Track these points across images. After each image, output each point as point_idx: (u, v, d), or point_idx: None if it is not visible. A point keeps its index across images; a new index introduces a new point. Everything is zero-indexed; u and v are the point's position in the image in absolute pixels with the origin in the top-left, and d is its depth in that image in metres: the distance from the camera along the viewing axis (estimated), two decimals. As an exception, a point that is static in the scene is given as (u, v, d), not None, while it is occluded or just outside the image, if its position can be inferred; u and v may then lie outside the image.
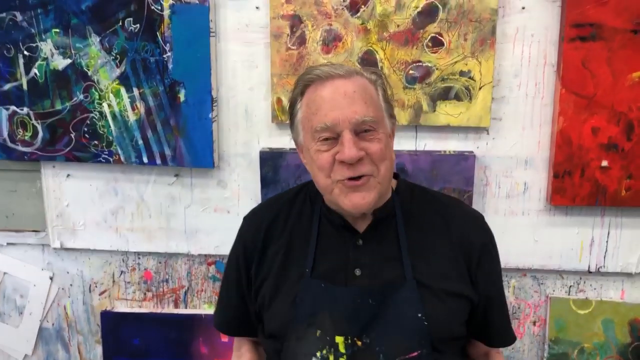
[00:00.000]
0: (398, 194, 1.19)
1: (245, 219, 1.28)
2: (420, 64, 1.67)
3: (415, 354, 1.07)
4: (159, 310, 1.99)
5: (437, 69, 1.67)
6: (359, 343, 1.06)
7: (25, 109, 1.81)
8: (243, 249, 1.23)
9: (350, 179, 1.05)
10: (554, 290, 1.82)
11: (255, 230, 1.22)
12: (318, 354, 1.07)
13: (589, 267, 1.78)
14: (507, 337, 1.26)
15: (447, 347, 1.14)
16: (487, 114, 1.68)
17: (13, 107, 1.82)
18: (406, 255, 1.11)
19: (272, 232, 1.20)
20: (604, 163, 1.65)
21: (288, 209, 1.21)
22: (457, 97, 1.68)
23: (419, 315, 1.07)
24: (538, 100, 1.68)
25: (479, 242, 1.17)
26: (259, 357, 1.32)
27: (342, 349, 1.06)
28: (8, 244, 2.01)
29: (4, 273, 2.04)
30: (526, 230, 1.76)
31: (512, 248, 1.77)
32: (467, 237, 1.16)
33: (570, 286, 1.82)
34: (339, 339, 1.06)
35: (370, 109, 1.06)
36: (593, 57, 1.60)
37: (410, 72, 1.67)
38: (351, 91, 1.05)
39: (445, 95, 1.68)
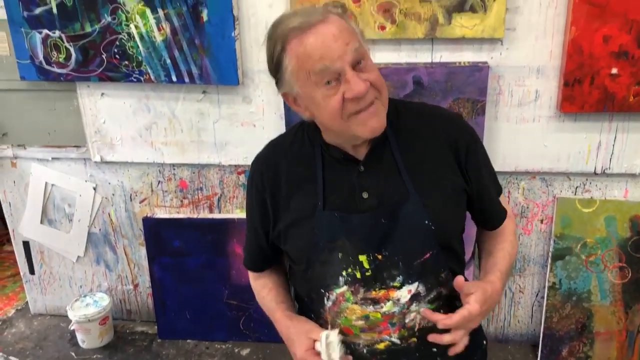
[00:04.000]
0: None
1: (253, 163, 1.35)
2: (436, -24, 1.69)
3: (428, 255, 1.22)
4: (195, 216, 2.17)
5: (452, -19, 1.69)
6: (379, 257, 1.20)
7: (57, 32, 1.90)
8: (255, 191, 1.31)
9: (362, 110, 1.13)
10: (561, 191, 1.95)
11: (263, 172, 1.29)
12: (344, 272, 1.21)
13: (595, 169, 1.88)
14: (499, 215, 1.38)
15: (453, 242, 1.29)
16: (501, 25, 1.72)
17: (45, 31, 1.90)
18: (404, 172, 1.20)
19: (278, 174, 1.27)
20: (614, 70, 1.71)
21: (290, 151, 1.27)
22: (472, 9, 1.71)
23: (426, 222, 1.20)
24: (551, 10, 1.71)
25: (463, 139, 1.26)
26: (276, 273, 1.43)
27: (366, 265, 1.20)
28: (53, 158, 2.18)
29: (52, 185, 2.22)
30: (536, 136, 1.86)
31: (523, 152, 1.88)
32: (452, 137, 1.25)
33: (577, 187, 1.94)
34: (362, 257, 1.20)
35: (356, 40, 1.10)
36: (608, -35, 1.61)
37: (426, -15, 1.70)
38: (337, 31, 1.07)
39: (460, 7, 1.72)
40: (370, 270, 1.20)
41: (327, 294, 1.23)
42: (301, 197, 1.25)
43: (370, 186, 1.22)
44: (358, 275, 1.21)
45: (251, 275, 1.43)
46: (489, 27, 1.73)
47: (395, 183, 1.22)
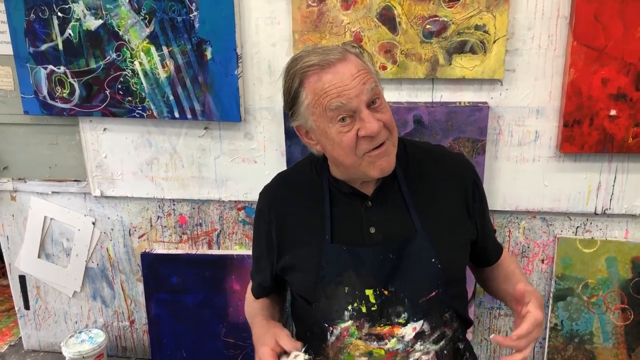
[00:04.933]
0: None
1: (261, 194, 1.37)
2: (437, 18, 1.73)
3: (434, 293, 1.21)
4: (194, 251, 2.16)
5: (453, 23, 1.72)
6: (386, 292, 1.20)
7: (62, 68, 1.92)
8: (262, 223, 1.33)
9: (374, 148, 1.15)
10: (561, 231, 1.94)
11: (270, 204, 1.32)
12: (350, 307, 1.21)
13: (595, 209, 1.88)
14: (498, 250, 1.42)
15: (458, 281, 1.30)
16: (501, 66, 1.75)
17: (51, 66, 1.93)
18: (413, 209, 1.22)
19: (286, 207, 1.30)
20: (613, 112, 1.73)
21: (298, 184, 1.30)
22: (472, 51, 1.74)
23: (433, 260, 1.21)
24: (550, 52, 1.74)
25: (468, 177, 1.30)
26: (271, 300, 1.44)
27: (372, 300, 1.20)
28: (53, 192, 2.17)
29: (51, 219, 2.21)
30: (536, 176, 1.86)
31: (523, 192, 1.88)
32: (459, 175, 1.28)
33: (577, 227, 1.93)
34: (369, 292, 1.20)
35: (372, 80, 1.14)
36: (605, 10, 1.64)
37: (427, 26, 1.74)
38: (355, 71, 1.11)
39: (460, 48, 1.74)
40: (376, 305, 1.20)
41: (331, 328, 1.23)
42: (308, 230, 1.26)
43: (378, 221, 1.23)
44: (364, 309, 1.21)
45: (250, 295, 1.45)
46: (489, 68, 1.75)
47: (403, 220, 1.22)
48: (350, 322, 1.21)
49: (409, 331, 1.20)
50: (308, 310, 1.27)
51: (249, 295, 1.46)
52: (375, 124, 1.11)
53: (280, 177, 1.39)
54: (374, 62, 1.22)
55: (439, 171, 1.29)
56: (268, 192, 1.36)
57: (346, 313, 1.21)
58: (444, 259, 1.22)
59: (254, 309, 1.40)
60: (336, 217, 1.24)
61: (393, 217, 1.23)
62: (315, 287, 1.23)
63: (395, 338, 1.20)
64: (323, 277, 1.22)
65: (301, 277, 1.27)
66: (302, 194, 1.29)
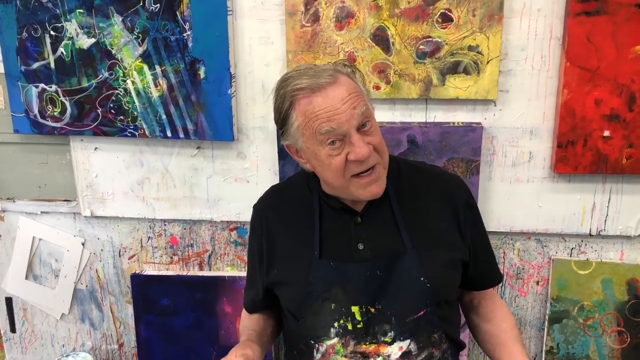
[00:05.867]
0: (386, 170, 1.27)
1: (255, 206, 1.37)
2: (430, 39, 1.73)
3: (422, 312, 1.19)
4: (184, 273, 2.12)
5: (446, 44, 1.73)
6: (372, 310, 1.18)
7: (54, 87, 1.91)
8: (256, 236, 1.33)
9: (365, 173, 1.14)
10: (556, 252, 1.93)
11: (262, 217, 1.32)
12: (336, 324, 1.19)
13: (590, 231, 1.87)
14: (494, 277, 1.39)
15: (448, 302, 1.28)
16: (495, 87, 1.75)
17: (42, 85, 1.91)
18: (403, 227, 1.21)
19: (277, 220, 1.30)
20: (606, 133, 1.73)
21: (290, 197, 1.31)
22: (466, 71, 1.74)
23: (422, 279, 1.19)
24: (543, 73, 1.74)
25: (461, 198, 1.28)
26: (265, 317, 1.43)
27: (358, 317, 1.18)
28: (42, 212, 2.14)
29: (39, 239, 2.18)
30: (531, 196, 1.86)
31: (517, 213, 1.87)
32: (451, 196, 1.28)
33: (572, 248, 1.92)
34: (355, 309, 1.18)
35: (362, 102, 1.13)
36: (598, 31, 1.65)
37: (421, 47, 1.74)
38: (346, 94, 1.10)
39: (454, 69, 1.75)
40: (362, 323, 1.19)
41: (317, 345, 1.22)
42: (297, 244, 1.26)
43: (367, 238, 1.21)
44: (350, 326, 1.19)
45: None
46: (483, 88, 1.75)
47: (393, 237, 1.21)
48: (336, 339, 1.20)
49: (395, 350, 1.18)
50: (296, 326, 1.26)
51: (243, 310, 1.46)
52: (364, 149, 1.10)
53: (273, 190, 1.39)
54: (365, 82, 1.22)
55: (432, 190, 1.28)
56: (261, 204, 1.36)
57: (332, 330, 1.20)
58: (433, 277, 1.20)
59: (244, 327, 1.40)
60: (326, 232, 1.24)
61: (382, 233, 1.22)
62: (303, 302, 1.22)
63: (381, 357, 1.18)
64: (310, 292, 1.21)
65: (289, 292, 1.27)
66: (293, 207, 1.29)
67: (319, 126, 1.10)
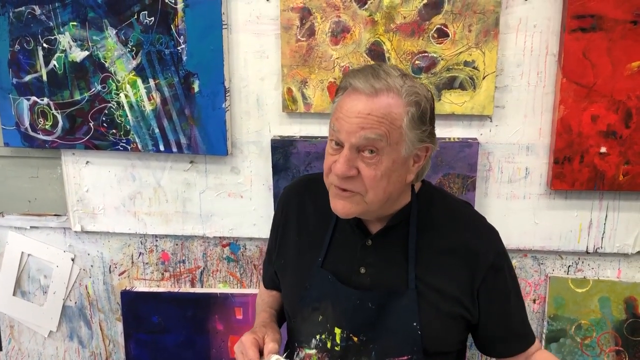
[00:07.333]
0: (418, 199, 1.20)
1: (285, 189, 1.37)
2: (426, 54, 1.72)
3: (405, 358, 1.14)
4: (176, 290, 2.09)
5: (442, 59, 1.72)
6: (355, 339, 1.14)
7: (46, 100, 1.88)
8: (277, 218, 1.35)
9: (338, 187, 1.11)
10: (553, 270, 1.91)
11: (287, 204, 1.32)
12: (318, 336, 1.17)
13: (587, 248, 1.85)
14: (519, 343, 1.23)
15: (440, 354, 1.18)
16: (491, 103, 1.74)
17: (34, 98, 1.89)
18: (412, 265, 1.14)
19: (298, 213, 1.29)
20: (603, 149, 1.72)
21: (318, 193, 1.23)
22: (462, 87, 1.73)
23: (414, 324, 1.12)
24: (540, 89, 1.74)
25: (486, 260, 1.16)
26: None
27: (338, 340, 1.14)
28: (31, 227, 2.10)
29: (28, 255, 2.14)
30: (527, 213, 1.84)
31: (514, 230, 1.85)
32: (475, 256, 1.16)
33: (569, 266, 1.90)
34: (337, 330, 1.14)
35: (377, 130, 1.04)
36: (593, 48, 1.64)
37: (417, 62, 1.73)
38: (365, 113, 1.04)
39: (450, 84, 1.74)
40: (339, 347, 1.16)
41: (298, 349, 1.21)
42: (306, 246, 1.25)
43: (371, 264, 1.17)
44: (329, 345, 1.17)
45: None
46: (479, 104, 1.74)
47: (397, 272, 1.16)
48: (314, 351, 1.18)
49: None
50: (289, 323, 1.28)
51: (261, 284, 1.47)
52: (341, 167, 1.05)
53: (306, 179, 1.38)
54: (427, 119, 1.14)
55: (458, 239, 1.17)
56: (291, 192, 1.34)
57: (313, 341, 1.18)
58: (426, 326, 1.13)
59: (263, 301, 1.40)
60: (335, 243, 1.21)
61: (388, 264, 1.17)
62: (295, 304, 1.22)
63: None
64: (304, 297, 1.20)
65: (286, 289, 1.28)
66: (316, 205, 1.26)
67: (334, 119, 1.10)
